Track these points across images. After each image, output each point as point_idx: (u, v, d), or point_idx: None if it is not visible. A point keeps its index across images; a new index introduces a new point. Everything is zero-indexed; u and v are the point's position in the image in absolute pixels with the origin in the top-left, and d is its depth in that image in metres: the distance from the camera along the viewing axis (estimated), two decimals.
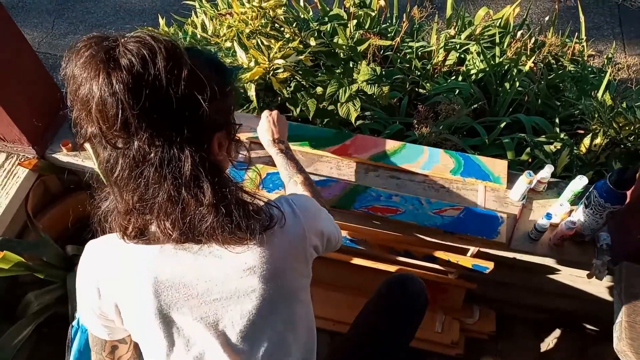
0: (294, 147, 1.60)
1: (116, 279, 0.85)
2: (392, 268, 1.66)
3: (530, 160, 1.89)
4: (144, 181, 0.75)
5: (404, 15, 2.40)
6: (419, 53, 2.35)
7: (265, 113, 1.43)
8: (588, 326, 1.86)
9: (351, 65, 1.89)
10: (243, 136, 1.61)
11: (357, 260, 1.69)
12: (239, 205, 0.82)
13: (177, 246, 0.83)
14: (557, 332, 1.89)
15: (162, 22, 2.13)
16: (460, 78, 2.23)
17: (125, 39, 0.70)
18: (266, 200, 0.89)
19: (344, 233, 1.56)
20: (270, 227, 0.86)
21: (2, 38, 1.38)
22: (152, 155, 0.73)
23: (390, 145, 1.60)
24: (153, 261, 0.83)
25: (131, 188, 0.76)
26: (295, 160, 1.35)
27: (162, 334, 0.86)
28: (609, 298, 1.58)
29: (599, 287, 1.56)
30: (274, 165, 1.55)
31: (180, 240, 0.81)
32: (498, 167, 1.55)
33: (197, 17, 2.17)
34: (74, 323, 1.15)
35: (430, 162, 1.56)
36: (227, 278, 0.84)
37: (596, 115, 1.87)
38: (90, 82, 0.68)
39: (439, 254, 1.54)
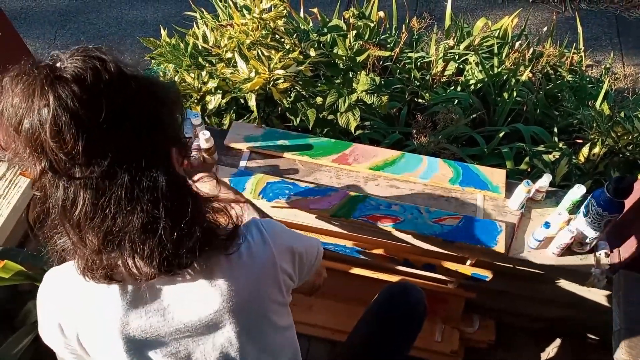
0: (294, 156, 1.61)
1: (77, 313, 0.79)
2: (392, 277, 1.67)
3: (529, 169, 1.90)
4: (113, 209, 0.66)
5: (403, 26, 2.42)
6: (418, 63, 2.37)
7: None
8: (588, 335, 1.86)
9: (350, 76, 1.91)
10: (243, 146, 1.62)
11: (356, 270, 1.70)
12: (209, 223, 0.78)
13: (140, 289, 0.77)
14: (557, 341, 1.88)
15: (163, 33, 2.15)
16: (459, 88, 2.25)
17: (62, 55, 0.64)
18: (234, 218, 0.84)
19: (343, 242, 1.56)
20: (239, 250, 0.82)
21: (5, 48, 1.40)
22: (119, 176, 0.65)
23: (390, 154, 1.61)
24: (117, 302, 0.77)
25: (97, 224, 0.67)
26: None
27: None
28: (608, 306, 1.58)
29: (598, 296, 1.56)
30: (274, 174, 1.57)
31: (149, 276, 0.74)
32: (497, 176, 1.56)
33: (198, 28, 2.19)
34: None
35: (429, 171, 1.57)
36: (196, 317, 0.81)
37: (594, 125, 1.88)
38: (38, 110, 0.60)
39: (439, 262, 1.55)
